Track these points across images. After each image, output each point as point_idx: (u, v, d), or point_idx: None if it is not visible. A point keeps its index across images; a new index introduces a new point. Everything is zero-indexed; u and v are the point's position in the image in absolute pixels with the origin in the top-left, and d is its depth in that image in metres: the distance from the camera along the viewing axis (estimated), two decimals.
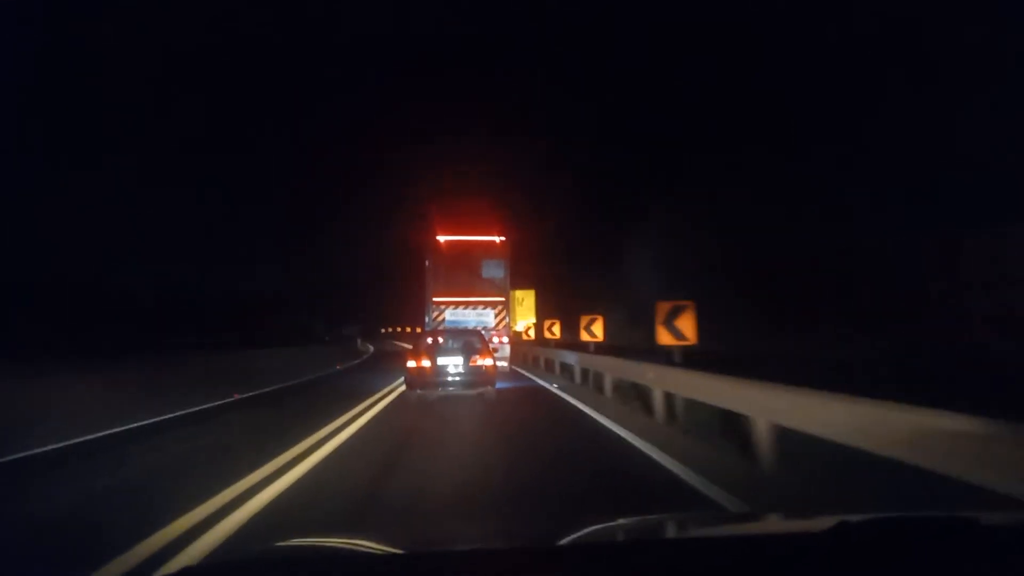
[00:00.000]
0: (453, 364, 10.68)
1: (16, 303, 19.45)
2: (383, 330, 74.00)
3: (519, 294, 25.51)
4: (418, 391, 10.76)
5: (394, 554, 1.75)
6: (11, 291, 19.71)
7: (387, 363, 25.86)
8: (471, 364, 10.66)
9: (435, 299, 18.52)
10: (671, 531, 2.03)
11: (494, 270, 18.82)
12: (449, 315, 18.44)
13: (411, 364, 10.74)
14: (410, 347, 12.45)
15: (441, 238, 18.77)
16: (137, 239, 28.18)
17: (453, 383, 10.63)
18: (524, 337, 24.79)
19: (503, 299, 18.71)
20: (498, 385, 11.33)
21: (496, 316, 18.58)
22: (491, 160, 51.92)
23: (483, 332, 13.40)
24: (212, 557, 3.64)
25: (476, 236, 18.94)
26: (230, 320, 33.26)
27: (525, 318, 26.06)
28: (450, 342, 11.32)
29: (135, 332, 23.27)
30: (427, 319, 18.81)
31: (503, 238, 18.90)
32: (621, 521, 2.05)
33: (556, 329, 20.64)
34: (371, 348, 46.38)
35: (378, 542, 1.88)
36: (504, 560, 1.57)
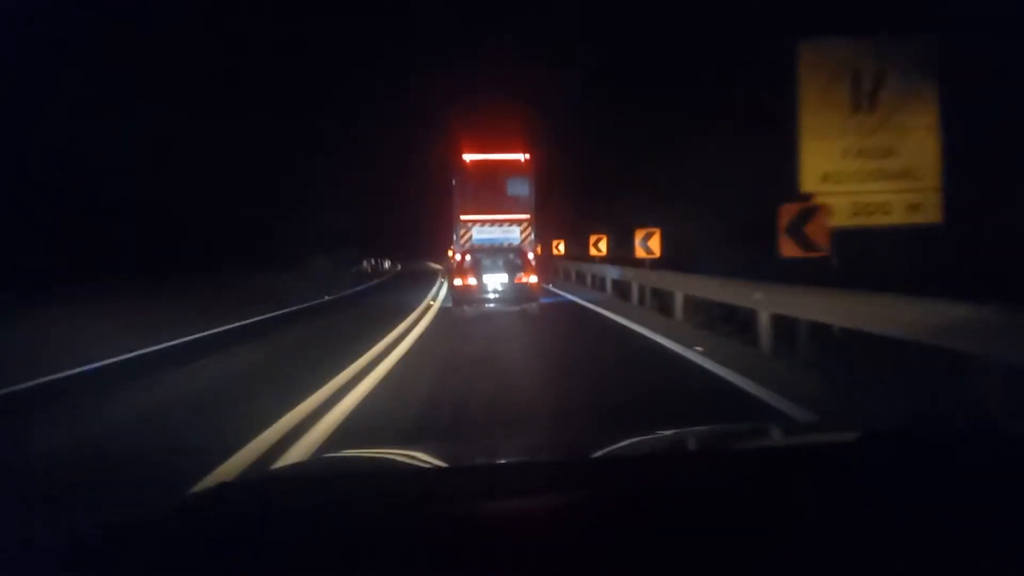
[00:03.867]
0: (498, 282, 11.24)
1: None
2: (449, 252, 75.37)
3: None
4: (464, 307, 11.37)
5: (432, 467, 1.84)
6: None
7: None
8: (516, 282, 11.23)
9: (462, 217, 19.23)
10: (699, 444, 2.10)
11: (519, 187, 19.23)
12: (476, 232, 19.13)
13: (457, 282, 11.39)
14: (438, 266, 13.42)
15: (467, 157, 19.29)
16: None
17: (496, 300, 11.22)
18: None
19: (528, 216, 19.24)
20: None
21: (521, 232, 19.20)
22: (518, 79, 50.19)
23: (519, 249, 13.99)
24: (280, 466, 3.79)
25: (501, 155, 19.36)
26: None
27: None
28: (493, 261, 11.75)
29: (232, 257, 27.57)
30: (455, 236, 19.64)
31: (527, 156, 19.26)
32: (660, 433, 2.10)
33: (603, 245, 17.85)
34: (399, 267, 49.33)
35: (425, 453, 1.95)
36: (532, 473, 1.61)
